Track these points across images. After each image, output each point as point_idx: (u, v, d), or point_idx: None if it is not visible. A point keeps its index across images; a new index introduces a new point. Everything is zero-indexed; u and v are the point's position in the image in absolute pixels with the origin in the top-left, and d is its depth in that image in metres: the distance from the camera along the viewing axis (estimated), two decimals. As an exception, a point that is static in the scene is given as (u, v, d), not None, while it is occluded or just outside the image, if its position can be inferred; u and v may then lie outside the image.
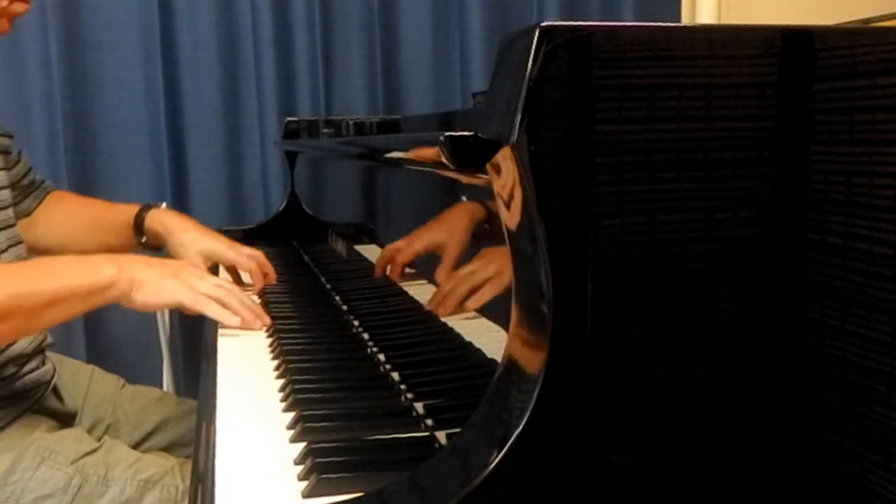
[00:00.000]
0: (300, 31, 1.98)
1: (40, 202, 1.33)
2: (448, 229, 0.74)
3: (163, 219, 1.29)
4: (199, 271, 1.06)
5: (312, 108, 2.00)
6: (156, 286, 0.98)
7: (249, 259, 1.26)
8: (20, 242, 1.14)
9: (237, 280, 1.34)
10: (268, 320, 1.06)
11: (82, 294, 0.94)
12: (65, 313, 0.96)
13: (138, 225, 1.30)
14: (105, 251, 1.35)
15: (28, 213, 1.31)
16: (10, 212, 1.14)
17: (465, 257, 0.72)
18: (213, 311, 1.01)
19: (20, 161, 1.29)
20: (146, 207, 1.31)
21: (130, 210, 1.31)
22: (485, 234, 0.64)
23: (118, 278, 0.95)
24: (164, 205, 1.34)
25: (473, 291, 0.67)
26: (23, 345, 1.05)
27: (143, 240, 1.31)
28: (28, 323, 0.94)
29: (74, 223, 1.34)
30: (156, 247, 1.32)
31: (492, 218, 0.58)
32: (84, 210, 1.37)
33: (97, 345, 1.88)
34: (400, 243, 0.95)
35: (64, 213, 1.34)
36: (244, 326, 1.02)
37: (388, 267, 0.98)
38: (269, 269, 1.27)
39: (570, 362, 0.53)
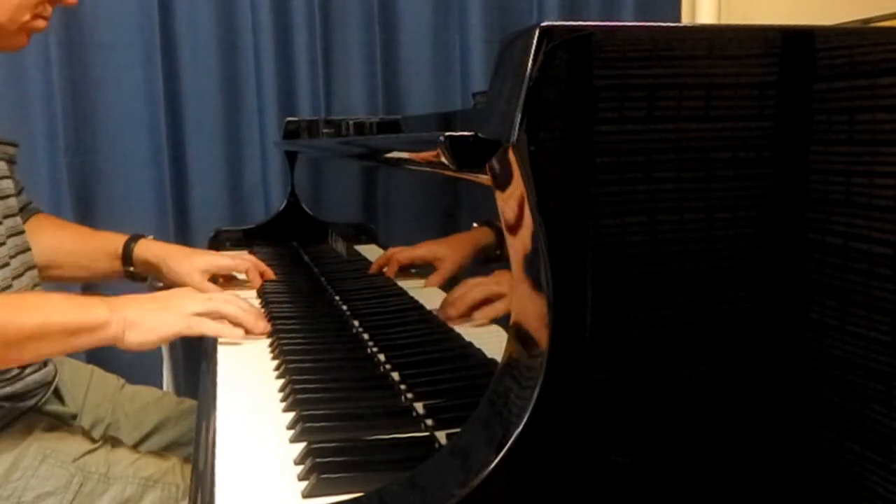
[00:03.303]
0: (300, 31, 1.98)
1: (25, 221, 1.32)
2: (452, 247, 0.75)
3: (154, 249, 1.31)
4: (189, 293, 1.05)
5: (312, 108, 2.00)
6: (149, 323, 0.96)
7: (245, 261, 1.31)
8: (28, 250, 1.14)
9: (233, 280, 1.35)
10: (267, 325, 1.05)
11: (69, 332, 0.92)
12: (51, 349, 0.94)
13: (126, 255, 1.30)
14: (88, 278, 1.37)
15: None
16: (18, 219, 1.14)
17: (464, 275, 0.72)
18: (209, 328, 0.99)
19: (15, 177, 1.28)
20: (134, 238, 1.32)
21: (118, 239, 1.32)
22: (493, 260, 0.64)
23: (110, 320, 0.93)
24: (151, 237, 1.35)
25: (484, 301, 0.67)
26: None
27: (131, 269, 1.31)
28: (10, 354, 0.92)
29: (58, 247, 1.33)
30: (142, 277, 1.33)
31: (502, 244, 0.58)
32: (70, 234, 1.37)
33: (97, 345, 1.88)
34: (402, 248, 0.95)
35: (49, 235, 1.33)
36: (247, 333, 1.01)
37: (385, 267, 0.99)
38: (264, 266, 1.33)
39: (570, 362, 0.53)
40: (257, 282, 1.30)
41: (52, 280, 1.37)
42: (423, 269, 0.84)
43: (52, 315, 0.92)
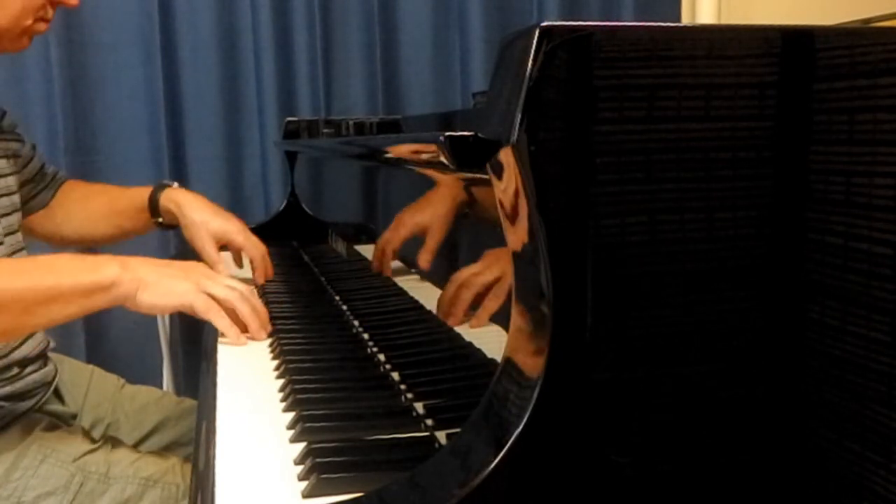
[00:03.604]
0: (300, 31, 1.98)
1: (55, 192, 1.33)
2: (429, 213, 0.75)
3: (176, 197, 1.28)
4: (210, 271, 1.02)
5: (312, 108, 2.00)
6: (165, 287, 0.93)
7: (256, 248, 1.27)
8: (23, 249, 1.14)
9: (238, 261, 1.34)
10: (269, 329, 1.03)
11: (81, 292, 0.90)
12: (63, 313, 0.91)
13: (153, 206, 1.29)
14: (122, 236, 1.36)
15: (45, 205, 1.31)
16: (15, 217, 1.14)
17: (449, 240, 0.72)
18: (221, 323, 0.97)
19: (34, 157, 1.29)
20: (160, 187, 1.30)
21: (144, 192, 1.31)
22: (467, 216, 0.64)
23: (121, 278, 0.91)
24: (176, 184, 1.33)
25: (481, 298, 0.67)
26: (26, 349, 1.05)
27: (160, 220, 1.30)
28: (21, 320, 0.90)
29: (90, 211, 1.35)
30: (171, 226, 1.32)
31: (472, 200, 0.58)
32: (99, 197, 1.37)
33: (97, 345, 1.88)
34: (386, 234, 0.94)
35: (79, 201, 1.35)
36: (251, 337, 1.00)
37: (382, 260, 0.98)
38: (269, 265, 1.29)
39: (570, 362, 0.53)
40: (260, 280, 1.29)
41: (89, 244, 1.37)
42: (422, 268, 0.84)
43: (63, 277, 0.89)
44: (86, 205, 1.35)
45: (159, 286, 0.93)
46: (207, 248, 1.22)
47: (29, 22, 1.06)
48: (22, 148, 1.25)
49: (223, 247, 1.28)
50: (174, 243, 1.86)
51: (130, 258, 0.95)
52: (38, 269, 0.91)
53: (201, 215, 1.25)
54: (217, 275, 1.02)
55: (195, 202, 1.28)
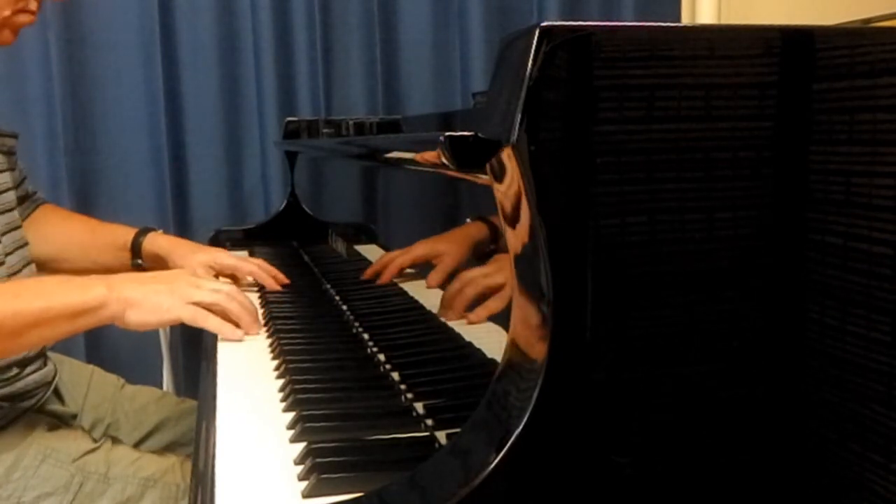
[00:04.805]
0: (300, 31, 1.98)
1: (30, 213, 1.32)
2: (449, 242, 0.75)
3: (160, 242, 1.31)
4: (195, 279, 1.03)
5: (312, 108, 2.00)
6: (151, 304, 0.94)
7: (248, 263, 1.29)
8: (26, 244, 1.14)
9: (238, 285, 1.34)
10: (261, 324, 1.05)
11: (69, 315, 0.91)
12: (52, 334, 0.93)
13: (135, 248, 1.31)
14: (96, 269, 1.35)
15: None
16: (15, 214, 1.14)
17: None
18: (212, 324, 0.98)
19: (17, 168, 1.28)
20: (144, 231, 1.32)
21: (128, 233, 1.32)
22: (489, 255, 0.64)
23: (108, 299, 0.92)
24: (161, 231, 1.36)
25: (482, 297, 0.67)
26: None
27: (139, 262, 1.32)
28: (12, 343, 0.91)
29: (69, 237, 1.34)
30: (149, 269, 1.33)
31: (497, 238, 0.58)
32: (78, 226, 1.37)
33: (97, 345, 1.88)
34: (397, 253, 0.94)
35: (58, 225, 1.34)
36: (245, 333, 1.01)
37: (381, 273, 0.98)
38: (275, 271, 1.30)
39: (570, 362, 0.53)
40: (276, 286, 1.28)
41: (60, 272, 1.37)
42: (422, 269, 0.84)
43: (52, 300, 0.90)
44: (65, 230, 1.34)
45: (145, 304, 0.94)
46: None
47: (7, 13, 1.03)
48: (17, 146, 1.25)
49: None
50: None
51: (115, 277, 0.96)
52: (26, 293, 0.92)
53: (188, 253, 1.28)
54: (201, 280, 1.03)
55: (180, 242, 1.33)
